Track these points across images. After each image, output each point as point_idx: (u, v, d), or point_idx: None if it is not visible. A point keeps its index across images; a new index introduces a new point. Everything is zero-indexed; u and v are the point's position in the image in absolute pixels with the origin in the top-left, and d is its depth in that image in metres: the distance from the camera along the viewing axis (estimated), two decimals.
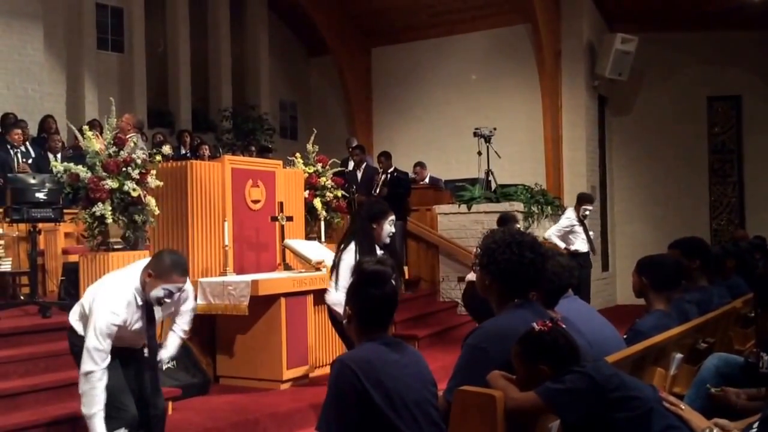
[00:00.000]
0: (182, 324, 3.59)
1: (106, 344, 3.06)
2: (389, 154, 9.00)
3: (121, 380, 3.20)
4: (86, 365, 3.05)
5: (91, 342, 3.06)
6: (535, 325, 2.07)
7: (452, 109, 12.20)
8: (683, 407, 2.15)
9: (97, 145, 5.23)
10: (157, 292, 3.13)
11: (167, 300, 3.18)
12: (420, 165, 9.88)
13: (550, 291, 2.63)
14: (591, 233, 8.08)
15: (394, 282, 2.50)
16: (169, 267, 3.14)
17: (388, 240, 4.27)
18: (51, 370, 4.45)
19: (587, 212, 7.98)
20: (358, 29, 13.13)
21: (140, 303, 3.19)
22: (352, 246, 4.21)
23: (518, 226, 6.48)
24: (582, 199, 8.11)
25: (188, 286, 3.40)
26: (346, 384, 2.22)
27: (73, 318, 3.31)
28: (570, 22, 11.35)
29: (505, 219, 6.52)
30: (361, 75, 13.28)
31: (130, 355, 3.30)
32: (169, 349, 3.52)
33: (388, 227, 4.28)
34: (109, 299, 3.13)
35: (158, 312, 3.30)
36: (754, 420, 2.44)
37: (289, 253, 5.87)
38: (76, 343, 3.22)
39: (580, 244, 7.87)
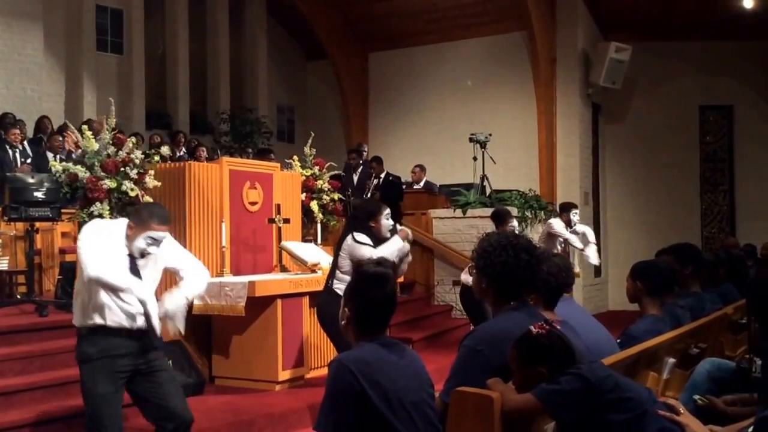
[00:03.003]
0: (188, 284, 3.28)
1: (97, 247, 2.99)
2: (381, 159, 9.10)
3: (109, 406, 3.09)
4: (86, 270, 2.97)
5: (82, 251, 3.01)
6: (532, 327, 2.10)
7: (448, 114, 12.27)
8: (682, 411, 2.17)
9: (95, 145, 5.27)
10: (139, 242, 3.06)
11: (150, 250, 3.10)
12: (419, 167, 9.94)
13: (547, 292, 2.67)
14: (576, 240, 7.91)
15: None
16: (147, 216, 3.11)
17: (389, 234, 4.32)
18: (47, 369, 4.46)
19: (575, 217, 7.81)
20: (355, 34, 13.19)
21: (126, 252, 3.10)
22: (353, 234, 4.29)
23: (514, 223, 6.38)
24: (567, 207, 8.00)
25: (190, 258, 3.35)
26: (344, 384, 2.22)
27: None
28: (565, 31, 11.45)
29: (500, 214, 6.42)
30: (359, 79, 13.34)
31: (143, 369, 3.18)
32: (165, 303, 3.13)
33: (386, 221, 4.36)
34: (90, 224, 3.16)
35: (147, 270, 3.16)
36: (747, 424, 2.49)
37: (286, 255, 5.90)
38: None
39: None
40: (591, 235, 8.02)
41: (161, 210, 3.21)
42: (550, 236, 7.69)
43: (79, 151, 5.15)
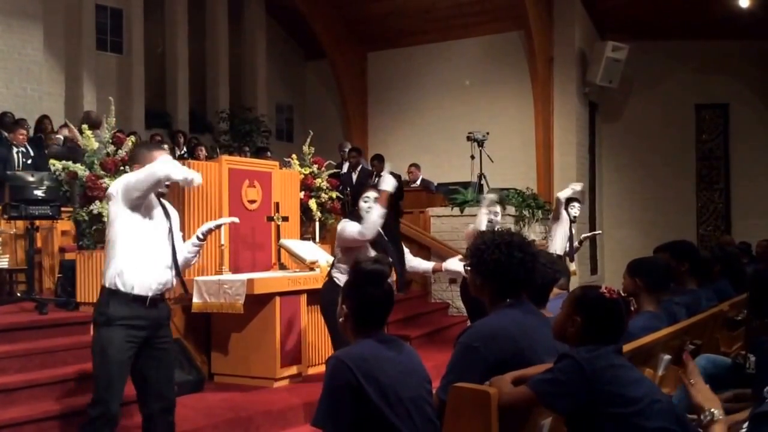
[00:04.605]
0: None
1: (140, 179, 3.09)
2: (382, 157, 9.10)
3: (121, 373, 3.14)
4: (155, 174, 3.07)
5: (127, 181, 3.12)
6: (605, 288, 2.22)
7: (446, 113, 12.31)
8: (693, 381, 2.16)
9: (95, 143, 5.29)
10: None
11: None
12: (414, 166, 10.02)
13: (535, 289, 2.69)
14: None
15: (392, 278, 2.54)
16: (147, 152, 3.24)
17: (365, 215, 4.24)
18: (47, 366, 4.47)
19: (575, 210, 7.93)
20: (354, 34, 13.22)
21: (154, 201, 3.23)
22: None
23: (497, 209, 6.15)
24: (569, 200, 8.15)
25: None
26: (341, 380, 2.24)
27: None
28: (562, 30, 11.50)
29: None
30: (357, 79, 13.38)
31: (153, 343, 3.25)
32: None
33: (362, 203, 4.32)
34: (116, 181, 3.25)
35: (174, 218, 3.32)
36: (741, 419, 2.52)
37: (284, 253, 5.93)
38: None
39: (558, 244, 7.76)
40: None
41: (151, 142, 3.32)
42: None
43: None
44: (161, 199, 3.32)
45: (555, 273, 2.83)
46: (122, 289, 3.13)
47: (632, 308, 3.24)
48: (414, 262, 4.43)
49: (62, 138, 7.91)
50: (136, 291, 3.14)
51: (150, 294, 3.18)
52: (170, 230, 3.29)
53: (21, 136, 7.34)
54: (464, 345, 2.30)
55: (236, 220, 3.78)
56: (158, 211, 3.27)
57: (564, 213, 7.83)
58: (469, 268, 2.49)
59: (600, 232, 9.45)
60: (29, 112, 9.01)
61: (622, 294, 2.31)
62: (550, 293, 2.78)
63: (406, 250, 4.48)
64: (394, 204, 8.58)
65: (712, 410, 2.08)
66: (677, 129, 12.11)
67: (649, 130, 12.09)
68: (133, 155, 3.34)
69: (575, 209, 7.86)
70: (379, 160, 8.96)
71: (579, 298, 2.23)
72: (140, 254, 3.17)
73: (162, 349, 3.28)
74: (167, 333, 3.33)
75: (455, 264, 4.38)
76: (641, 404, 2.07)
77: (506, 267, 2.36)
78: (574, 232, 7.99)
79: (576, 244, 8.03)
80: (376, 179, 8.76)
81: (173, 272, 3.29)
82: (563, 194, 7.75)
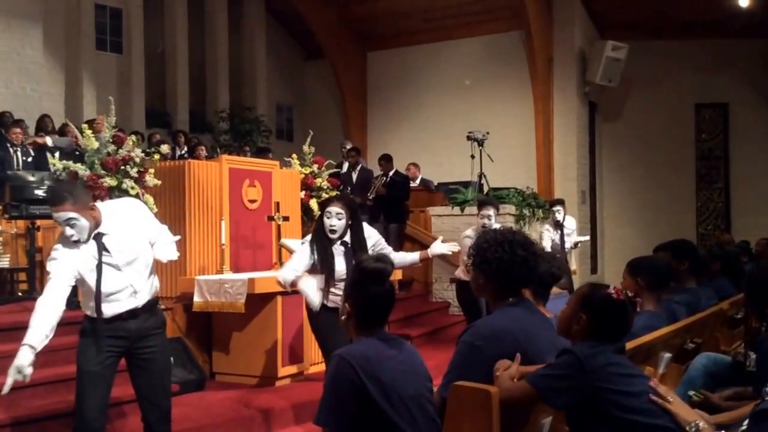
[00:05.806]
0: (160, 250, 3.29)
1: (52, 268, 3.05)
2: (390, 156, 9.06)
3: (93, 383, 3.12)
4: None
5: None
6: (612, 289, 2.24)
7: (446, 113, 12.33)
8: (671, 399, 2.16)
9: (95, 143, 5.29)
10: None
11: (66, 233, 2.99)
12: (414, 165, 10.04)
13: (539, 287, 2.70)
14: (568, 239, 8.02)
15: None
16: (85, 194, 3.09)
17: (330, 235, 3.97)
18: (49, 365, 4.46)
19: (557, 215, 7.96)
20: (354, 34, 13.23)
21: (88, 243, 3.05)
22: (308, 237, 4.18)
23: (490, 212, 5.82)
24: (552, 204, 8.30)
25: (159, 230, 3.29)
26: (344, 378, 2.25)
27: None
28: (562, 30, 11.52)
29: (482, 202, 6.19)
30: (357, 79, 13.39)
31: (136, 353, 3.24)
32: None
33: (325, 220, 3.99)
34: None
35: (118, 251, 3.08)
36: (738, 415, 2.53)
37: (285, 252, 5.93)
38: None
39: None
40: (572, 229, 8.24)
41: (56, 188, 3.14)
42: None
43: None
44: (93, 237, 3.06)
45: (560, 271, 2.85)
46: (94, 315, 3.14)
47: (638, 309, 3.25)
48: (398, 257, 4.27)
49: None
50: (107, 315, 3.13)
51: (123, 311, 3.15)
52: (110, 264, 3.09)
53: (14, 135, 7.34)
54: (466, 344, 2.30)
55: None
56: (91, 255, 3.06)
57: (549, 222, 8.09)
58: (472, 265, 2.49)
59: (587, 238, 9.61)
60: (29, 112, 9.02)
61: (629, 294, 2.30)
62: (551, 288, 2.80)
63: (389, 249, 4.29)
64: (399, 206, 8.64)
65: (697, 422, 2.10)
66: (677, 128, 12.13)
67: (649, 129, 12.11)
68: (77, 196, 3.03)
69: (555, 214, 7.96)
70: (386, 160, 8.97)
71: (586, 297, 2.24)
72: (97, 298, 3.11)
73: (146, 359, 3.23)
74: (153, 342, 3.24)
75: (440, 247, 4.33)
76: (640, 401, 2.08)
77: (509, 265, 2.35)
78: (566, 233, 8.00)
79: (570, 246, 8.03)
80: (385, 179, 8.77)
81: (140, 293, 3.17)
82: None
